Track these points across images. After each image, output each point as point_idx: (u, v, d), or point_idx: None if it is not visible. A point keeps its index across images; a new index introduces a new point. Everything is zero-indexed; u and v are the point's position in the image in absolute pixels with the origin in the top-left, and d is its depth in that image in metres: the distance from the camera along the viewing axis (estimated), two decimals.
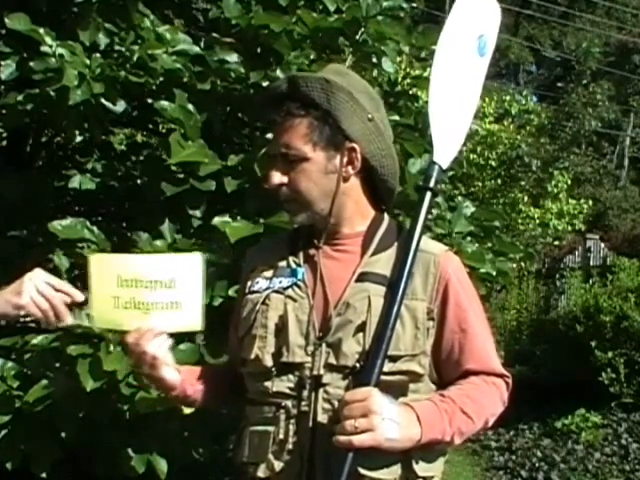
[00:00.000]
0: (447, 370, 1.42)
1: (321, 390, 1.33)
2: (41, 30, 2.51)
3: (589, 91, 14.79)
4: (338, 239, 1.45)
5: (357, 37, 3.04)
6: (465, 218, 3.08)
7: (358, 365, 1.32)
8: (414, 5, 3.51)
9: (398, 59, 3.75)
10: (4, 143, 3.63)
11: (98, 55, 2.63)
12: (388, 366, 1.32)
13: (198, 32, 3.33)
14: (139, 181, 3.20)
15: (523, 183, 11.55)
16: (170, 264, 1.41)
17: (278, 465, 1.34)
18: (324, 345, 1.34)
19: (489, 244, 3.15)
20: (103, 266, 1.42)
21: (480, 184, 11.29)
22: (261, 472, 1.36)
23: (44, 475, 2.68)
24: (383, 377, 1.31)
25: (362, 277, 1.39)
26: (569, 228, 11.82)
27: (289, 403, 1.35)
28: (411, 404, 1.31)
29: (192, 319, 1.41)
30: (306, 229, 1.48)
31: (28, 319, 3.61)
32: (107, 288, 1.39)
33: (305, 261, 1.44)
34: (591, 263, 11.35)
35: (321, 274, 1.41)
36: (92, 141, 3.13)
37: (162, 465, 2.69)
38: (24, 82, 2.59)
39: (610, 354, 5.84)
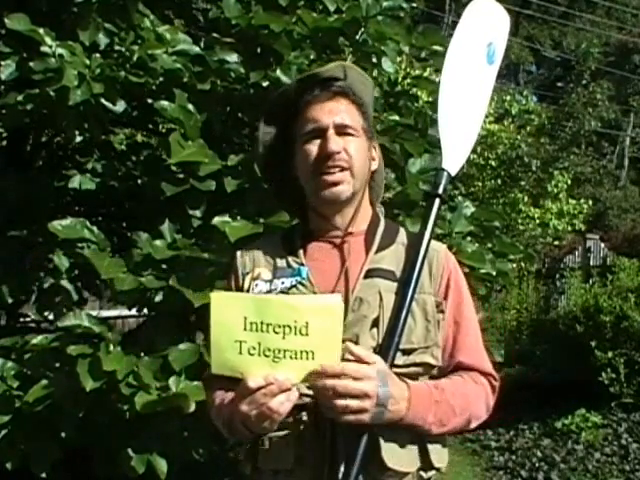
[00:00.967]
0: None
1: None
2: (41, 30, 2.51)
3: (589, 91, 14.79)
4: (341, 237, 1.46)
5: (357, 37, 3.04)
6: (465, 218, 3.09)
7: None
8: (414, 5, 3.51)
9: (398, 59, 3.74)
10: (4, 143, 3.63)
11: (98, 55, 2.63)
12: (402, 359, 1.36)
13: (198, 32, 3.33)
14: (139, 181, 3.20)
15: (523, 183, 11.54)
16: (306, 307, 1.24)
17: (301, 469, 1.34)
18: None
19: (489, 244, 3.15)
20: (227, 306, 1.25)
21: (480, 184, 11.28)
22: (282, 478, 1.36)
23: (44, 475, 2.68)
24: (398, 369, 1.34)
25: (370, 273, 1.42)
26: (569, 228, 11.81)
27: (309, 406, 1.34)
28: (409, 384, 1.33)
29: None
30: (302, 229, 1.51)
31: (28, 319, 3.63)
32: (231, 331, 1.24)
33: (306, 260, 1.44)
34: (591, 263, 11.34)
35: (327, 272, 1.42)
36: (92, 141, 3.13)
37: (162, 465, 2.69)
38: (24, 82, 2.59)
39: (610, 354, 5.83)
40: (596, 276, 7.96)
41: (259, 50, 2.95)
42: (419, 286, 1.40)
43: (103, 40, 2.71)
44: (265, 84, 2.86)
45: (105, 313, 4.40)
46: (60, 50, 2.52)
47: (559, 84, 19.66)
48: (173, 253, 2.59)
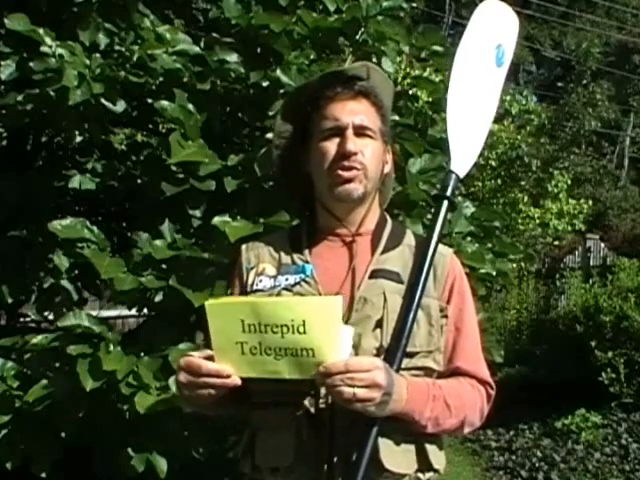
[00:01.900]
0: None
1: None
2: (41, 30, 2.51)
3: (589, 91, 14.79)
4: (348, 236, 1.46)
5: (357, 37, 3.03)
6: (465, 218, 3.09)
7: None
8: (414, 5, 3.50)
9: (398, 59, 3.74)
10: (4, 143, 3.63)
11: (98, 55, 2.63)
12: (405, 362, 1.35)
13: (198, 32, 3.33)
14: (139, 181, 3.20)
15: (523, 183, 11.54)
16: (302, 306, 1.25)
17: (300, 467, 1.34)
18: None
19: (489, 244, 3.15)
20: (223, 312, 1.28)
21: (480, 184, 11.28)
22: (281, 477, 1.36)
23: (44, 475, 2.68)
24: (399, 372, 1.33)
25: (375, 274, 1.42)
26: (569, 228, 11.81)
27: (307, 402, 1.35)
28: (406, 378, 1.33)
29: None
30: (309, 227, 1.50)
31: (28, 319, 3.63)
32: (231, 335, 1.26)
33: (312, 258, 1.45)
34: (591, 263, 11.34)
35: (331, 271, 1.42)
36: (92, 141, 3.13)
37: (162, 465, 2.69)
38: (24, 82, 2.59)
39: (610, 354, 5.83)
40: (596, 276, 7.96)
41: (259, 50, 2.94)
42: (418, 289, 1.40)
43: (103, 40, 2.71)
44: (265, 84, 2.86)
45: (105, 313, 4.39)
46: (60, 50, 2.52)
47: (559, 84, 19.65)
48: (173, 253, 2.59)
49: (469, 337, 1.47)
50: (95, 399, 2.52)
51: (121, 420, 2.59)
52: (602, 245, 12.23)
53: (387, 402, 1.26)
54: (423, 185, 2.97)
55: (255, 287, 1.44)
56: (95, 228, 2.66)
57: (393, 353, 1.33)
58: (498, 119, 12.03)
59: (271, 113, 2.89)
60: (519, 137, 11.58)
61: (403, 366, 1.35)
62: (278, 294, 1.40)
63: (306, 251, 1.45)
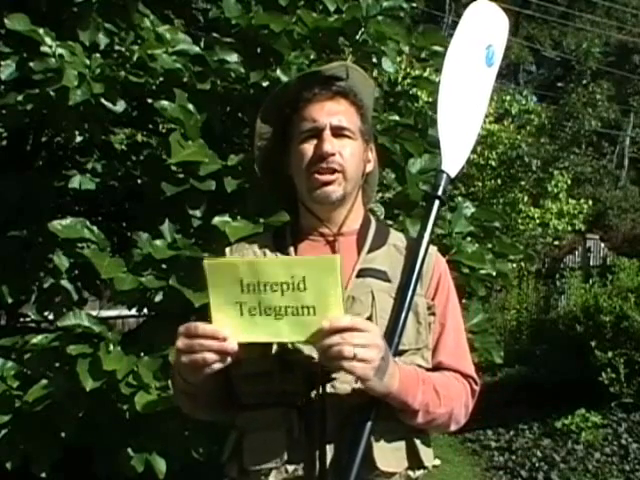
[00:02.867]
0: None
1: (329, 386, 1.33)
2: (41, 30, 2.51)
3: (589, 91, 14.78)
4: (333, 236, 1.46)
5: (357, 37, 3.03)
6: (465, 218, 3.09)
7: None
8: (414, 5, 3.50)
9: (398, 59, 3.74)
10: (4, 143, 3.63)
11: (98, 55, 2.63)
12: None
13: (198, 32, 3.33)
14: (139, 181, 3.20)
15: (523, 183, 11.54)
16: (301, 263, 1.23)
17: (291, 467, 1.33)
18: None
19: (489, 244, 3.15)
20: (222, 272, 1.23)
21: (480, 184, 11.27)
22: (273, 478, 1.34)
23: (44, 475, 2.68)
24: None
25: (362, 273, 1.42)
26: (569, 228, 11.80)
27: (298, 401, 1.34)
28: (395, 361, 1.32)
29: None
30: (293, 227, 1.51)
31: (28, 319, 3.62)
32: (229, 295, 1.22)
33: None
34: (591, 263, 11.35)
35: None
36: (92, 141, 3.13)
37: (161, 465, 2.69)
38: (24, 82, 2.59)
39: (610, 354, 5.83)
40: (596, 276, 7.97)
41: (259, 50, 2.94)
42: (410, 287, 1.41)
43: (103, 40, 2.71)
44: (265, 84, 2.86)
45: (105, 313, 4.39)
46: (60, 50, 2.52)
47: (559, 84, 19.63)
48: (173, 253, 2.59)
49: (452, 332, 1.47)
50: (95, 399, 2.53)
51: (121, 420, 2.60)
52: (602, 245, 12.23)
53: (384, 369, 1.25)
54: (423, 185, 2.97)
55: None
56: (95, 228, 2.67)
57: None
58: (498, 119, 12.04)
59: None
60: (519, 137, 11.58)
61: None
62: None
63: (291, 249, 1.45)
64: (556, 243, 12.09)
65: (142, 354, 2.59)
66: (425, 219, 1.51)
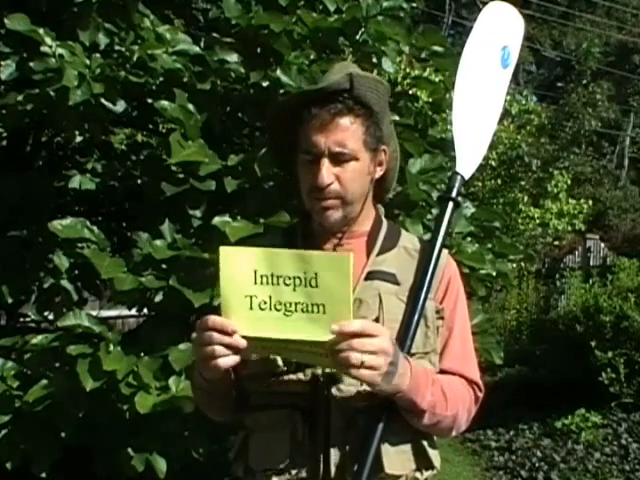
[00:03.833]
0: None
1: (334, 388, 1.33)
2: (41, 30, 2.51)
3: (589, 91, 14.77)
4: (343, 239, 1.46)
5: (357, 37, 3.04)
6: (465, 218, 3.09)
7: None
8: (414, 5, 3.50)
9: (398, 59, 3.74)
10: (4, 143, 3.63)
11: (98, 55, 2.63)
12: None
13: (198, 32, 3.33)
14: (139, 181, 3.20)
15: (523, 183, 11.53)
16: (315, 258, 1.20)
17: (294, 469, 1.33)
18: None
19: (489, 245, 3.15)
20: (237, 260, 1.21)
21: (480, 184, 11.27)
22: (276, 478, 1.34)
23: (44, 475, 2.68)
24: None
25: (370, 275, 1.41)
26: (569, 228, 11.79)
27: (302, 403, 1.34)
28: (408, 358, 1.31)
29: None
30: (304, 228, 1.50)
31: (28, 319, 3.62)
32: (241, 286, 1.21)
33: None
34: (591, 263, 11.35)
35: None
36: (92, 141, 3.14)
37: (161, 465, 2.69)
38: (24, 82, 2.59)
39: (610, 354, 5.83)
40: (596, 276, 7.98)
41: (259, 50, 2.94)
42: (423, 291, 1.40)
43: (103, 40, 2.71)
44: (265, 84, 2.86)
45: (105, 313, 4.39)
46: (60, 50, 2.52)
47: (559, 84, 19.63)
48: (173, 253, 2.59)
49: (459, 337, 1.46)
50: (95, 399, 2.53)
51: (121, 420, 2.60)
52: (602, 245, 12.24)
53: (393, 374, 1.24)
54: (423, 185, 2.97)
55: None
56: (95, 228, 2.67)
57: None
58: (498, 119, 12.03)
59: None
60: (519, 137, 11.57)
61: None
62: None
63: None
64: (556, 243, 12.09)
65: (142, 354, 2.59)
66: (438, 221, 1.50)
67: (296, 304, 1.20)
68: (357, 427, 1.31)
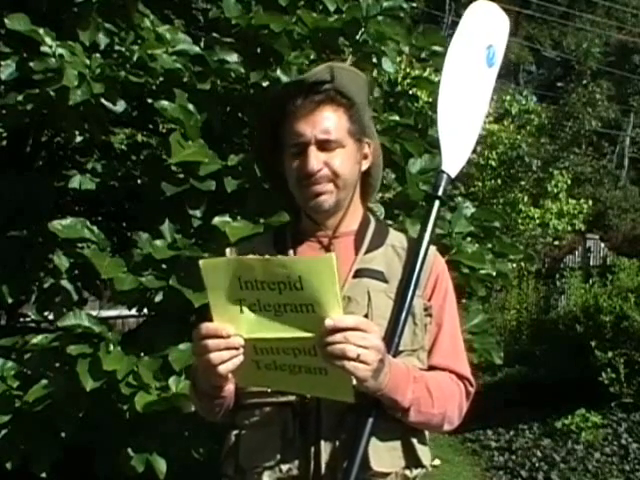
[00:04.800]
0: None
1: None
2: (41, 30, 2.51)
3: (589, 91, 14.77)
4: (332, 237, 1.46)
5: (357, 37, 3.03)
6: (465, 218, 3.08)
7: None
8: (414, 5, 3.50)
9: (398, 59, 3.74)
10: (4, 143, 3.63)
11: (98, 55, 2.63)
12: None
13: (198, 32, 3.33)
14: (139, 181, 3.20)
15: (523, 183, 11.54)
16: (296, 263, 1.22)
17: (285, 466, 1.33)
18: None
19: (489, 245, 3.15)
20: (219, 270, 1.22)
21: (480, 184, 11.28)
22: (267, 477, 1.34)
23: (44, 475, 2.68)
24: None
25: (359, 273, 1.42)
26: (569, 228, 11.80)
27: (293, 400, 1.34)
28: (388, 356, 1.31)
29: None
30: (293, 228, 1.51)
31: (28, 319, 3.62)
32: (229, 292, 1.22)
33: None
34: (591, 263, 11.35)
35: None
36: (92, 141, 3.13)
37: (161, 465, 2.69)
38: (24, 82, 2.59)
39: (610, 354, 5.84)
40: (596, 276, 7.97)
41: (259, 50, 2.94)
42: (410, 288, 1.40)
43: (103, 40, 2.71)
44: (265, 84, 2.86)
45: (105, 313, 4.39)
46: (60, 50, 2.52)
47: (559, 84, 19.62)
48: (173, 253, 2.59)
49: (448, 333, 1.47)
50: (95, 399, 2.53)
51: (121, 420, 2.60)
52: (602, 245, 12.24)
53: (380, 371, 1.25)
54: (423, 185, 2.97)
55: None
56: (95, 228, 2.67)
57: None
58: (498, 119, 12.04)
59: None
60: (519, 137, 11.58)
61: None
62: None
63: (290, 252, 1.45)
64: (556, 243, 12.10)
65: (142, 354, 2.59)
66: (425, 219, 1.51)
67: (285, 305, 1.21)
68: (347, 424, 1.32)
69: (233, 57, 2.85)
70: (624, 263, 7.28)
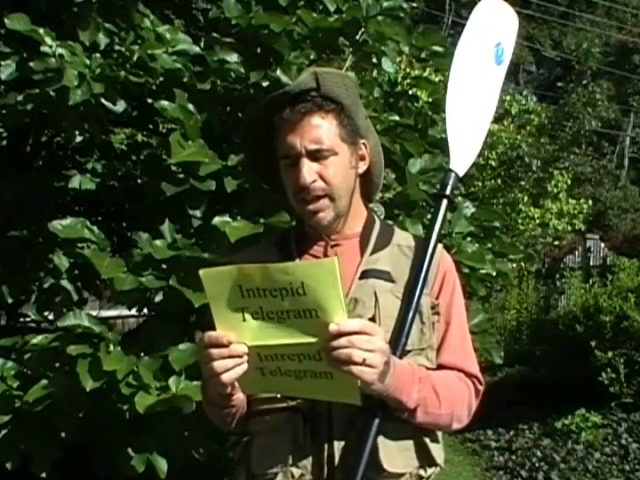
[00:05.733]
0: None
1: None
2: (41, 30, 2.51)
3: (589, 91, 14.79)
4: (336, 240, 1.45)
5: (357, 37, 3.03)
6: (465, 218, 3.08)
7: None
8: (414, 5, 3.50)
9: (398, 59, 3.74)
10: (4, 143, 3.63)
11: (98, 55, 2.63)
12: None
13: (198, 32, 3.33)
14: (139, 181, 3.20)
15: (523, 183, 11.55)
16: (297, 270, 1.20)
17: (297, 471, 1.33)
18: None
19: (489, 244, 3.15)
20: (220, 280, 1.22)
21: (480, 184, 11.30)
22: None
23: (44, 475, 2.68)
24: None
25: (365, 274, 1.41)
26: (569, 228, 11.82)
27: (303, 405, 1.34)
28: (393, 357, 1.31)
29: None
30: (297, 232, 1.50)
31: (28, 319, 3.62)
32: (231, 301, 1.21)
33: None
34: (591, 263, 11.35)
35: None
36: (92, 141, 3.13)
37: (162, 465, 2.69)
38: (24, 82, 2.59)
39: (610, 354, 5.84)
40: (596, 276, 7.98)
41: (259, 50, 2.94)
42: (418, 287, 1.39)
43: (103, 40, 2.71)
44: (265, 84, 2.86)
45: (105, 313, 4.39)
46: (60, 50, 2.51)
47: (559, 84, 19.63)
48: (173, 253, 2.59)
49: (456, 331, 1.46)
50: (95, 399, 2.52)
51: (121, 420, 2.59)
52: (602, 245, 12.24)
53: (386, 373, 1.24)
54: (423, 185, 2.97)
55: None
56: (95, 228, 2.66)
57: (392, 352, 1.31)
58: (498, 119, 12.06)
59: None
60: (519, 137, 11.60)
61: None
62: None
63: (296, 258, 1.45)
64: (556, 243, 12.11)
65: (142, 354, 2.59)
66: (433, 218, 1.50)
67: (288, 312, 1.20)
68: (358, 427, 1.31)
69: (233, 57, 2.85)
70: (624, 263, 7.29)
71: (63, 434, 2.65)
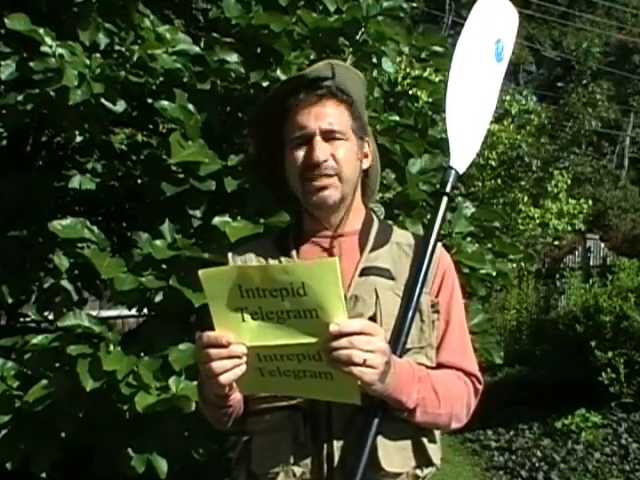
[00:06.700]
0: None
1: None
2: (41, 30, 2.51)
3: (589, 91, 14.78)
4: (335, 237, 1.45)
5: (357, 37, 3.03)
6: (465, 218, 3.09)
7: None
8: (414, 5, 3.50)
9: (398, 59, 3.74)
10: (4, 143, 3.63)
11: (98, 55, 2.63)
12: None
13: (198, 32, 3.33)
14: (139, 181, 3.20)
15: (523, 183, 11.55)
16: (299, 269, 1.20)
17: (298, 470, 1.33)
18: None
19: (489, 244, 3.15)
20: (219, 280, 1.21)
21: (480, 184, 11.29)
22: None
23: (44, 475, 2.68)
24: None
25: (365, 271, 1.41)
26: (569, 228, 11.81)
27: (303, 405, 1.34)
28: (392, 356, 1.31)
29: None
30: (295, 231, 1.50)
31: (28, 319, 3.62)
32: (230, 302, 1.20)
33: (299, 260, 1.43)
34: (591, 263, 11.36)
35: None
36: (92, 141, 3.13)
37: (162, 465, 2.69)
38: (24, 82, 2.59)
39: (610, 354, 5.84)
40: (596, 276, 7.98)
41: (259, 50, 2.94)
42: (418, 285, 1.39)
43: (103, 40, 2.71)
44: (265, 84, 2.86)
45: (105, 313, 4.40)
46: (60, 50, 2.52)
47: (559, 84, 19.62)
48: (173, 253, 2.59)
49: (455, 329, 1.46)
50: (95, 399, 2.53)
51: (121, 420, 2.60)
52: (602, 245, 12.24)
53: (387, 373, 1.24)
54: (423, 185, 2.97)
55: None
56: (95, 228, 2.67)
57: (392, 351, 1.31)
58: (498, 119, 12.05)
59: None
60: (519, 137, 11.59)
61: None
62: None
63: (293, 253, 1.44)
64: (556, 243, 12.11)
65: (142, 354, 2.59)
66: (433, 216, 1.50)
67: (288, 312, 1.19)
68: (358, 426, 1.31)
69: (233, 57, 2.85)
70: (624, 263, 7.29)
71: (63, 434, 2.65)
